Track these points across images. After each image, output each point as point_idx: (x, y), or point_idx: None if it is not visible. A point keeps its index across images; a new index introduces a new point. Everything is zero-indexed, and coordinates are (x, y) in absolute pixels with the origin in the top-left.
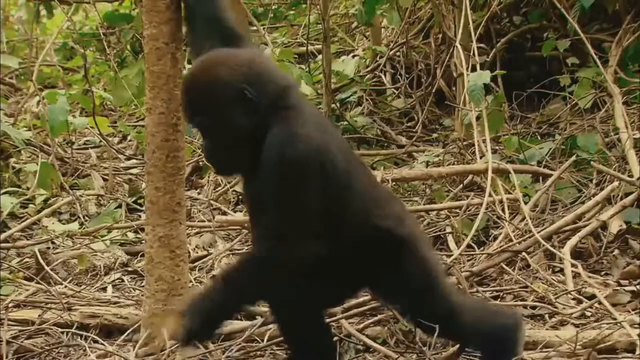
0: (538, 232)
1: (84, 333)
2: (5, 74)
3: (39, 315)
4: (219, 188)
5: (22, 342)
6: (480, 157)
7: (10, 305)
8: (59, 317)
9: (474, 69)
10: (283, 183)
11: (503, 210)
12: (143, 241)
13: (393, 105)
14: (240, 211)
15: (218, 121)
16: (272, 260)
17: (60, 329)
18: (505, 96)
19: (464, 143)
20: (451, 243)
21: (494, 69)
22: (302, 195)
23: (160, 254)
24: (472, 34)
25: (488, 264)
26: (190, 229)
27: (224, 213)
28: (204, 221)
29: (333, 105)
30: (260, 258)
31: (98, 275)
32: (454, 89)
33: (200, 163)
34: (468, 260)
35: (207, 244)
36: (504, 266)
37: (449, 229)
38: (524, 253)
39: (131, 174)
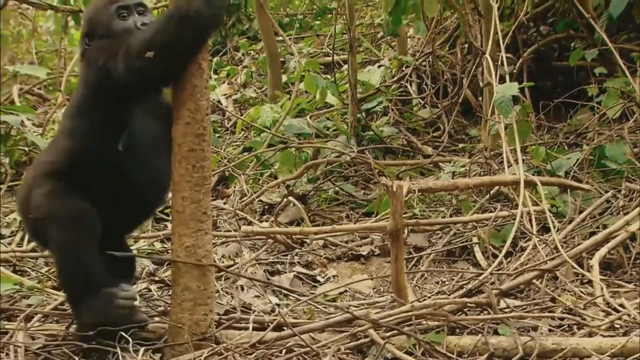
0: (566, 251)
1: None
2: (33, 85)
3: (66, 327)
4: (245, 198)
5: (50, 351)
6: (508, 167)
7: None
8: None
9: (501, 79)
10: None
11: (530, 222)
12: (170, 251)
13: (419, 115)
14: (266, 221)
15: None
16: None
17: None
18: (532, 106)
19: (491, 153)
20: (478, 254)
21: (520, 79)
22: None
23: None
24: (501, 43)
25: (517, 282)
26: (216, 238)
27: (250, 223)
28: (230, 231)
29: (359, 115)
30: None
31: None
32: (480, 98)
33: (227, 173)
34: (497, 271)
35: (233, 254)
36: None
37: (475, 240)
38: None
39: None
